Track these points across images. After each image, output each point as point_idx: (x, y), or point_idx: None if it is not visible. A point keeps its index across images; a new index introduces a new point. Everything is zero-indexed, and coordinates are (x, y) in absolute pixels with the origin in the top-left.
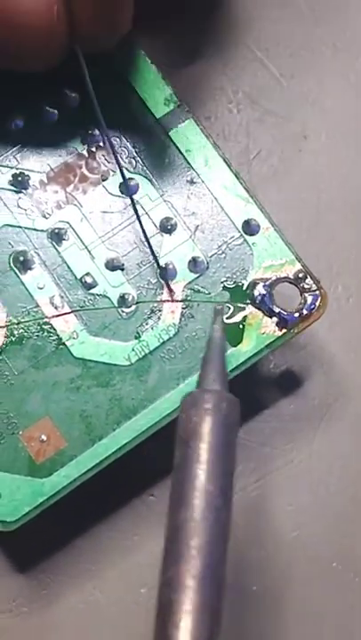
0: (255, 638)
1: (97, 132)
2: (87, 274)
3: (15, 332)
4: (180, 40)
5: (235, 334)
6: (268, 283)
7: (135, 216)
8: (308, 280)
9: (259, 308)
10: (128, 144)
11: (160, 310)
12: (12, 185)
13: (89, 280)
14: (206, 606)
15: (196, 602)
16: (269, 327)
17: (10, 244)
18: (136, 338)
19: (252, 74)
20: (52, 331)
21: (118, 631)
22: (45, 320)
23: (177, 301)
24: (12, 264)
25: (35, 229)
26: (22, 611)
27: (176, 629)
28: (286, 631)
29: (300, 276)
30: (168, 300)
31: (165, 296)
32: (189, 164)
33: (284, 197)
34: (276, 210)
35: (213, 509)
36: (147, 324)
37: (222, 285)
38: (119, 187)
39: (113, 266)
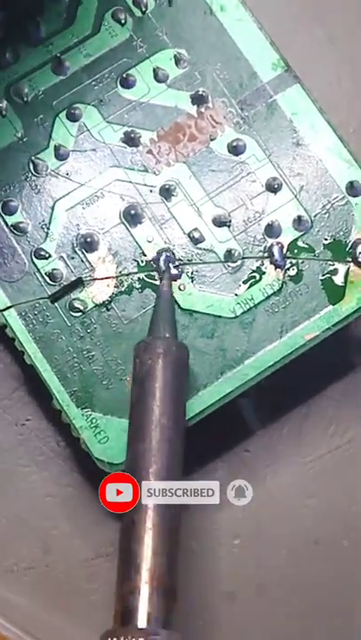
0: (347, 592)
1: (206, 93)
2: (195, 229)
3: (125, 283)
4: (284, 12)
5: (336, 292)
6: None
7: (241, 176)
8: None
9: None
10: (236, 106)
11: (265, 265)
12: (123, 142)
13: (196, 235)
14: (164, 523)
15: (155, 520)
16: None
17: (121, 198)
18: (239, 293)
19: (354, 48)
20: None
21: (211, 579)
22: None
23: (282, 258)
24: (122, 218)
25: (145, 185)
26: None
27: (139, 544)
28: None
29: None
30: (272, 257)
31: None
32: (295, 126)
33: None
34: None
35: (167, 440)
36: (252, 278)
37: (325, 244)
38: (227, 146)
39: (220, 222)
